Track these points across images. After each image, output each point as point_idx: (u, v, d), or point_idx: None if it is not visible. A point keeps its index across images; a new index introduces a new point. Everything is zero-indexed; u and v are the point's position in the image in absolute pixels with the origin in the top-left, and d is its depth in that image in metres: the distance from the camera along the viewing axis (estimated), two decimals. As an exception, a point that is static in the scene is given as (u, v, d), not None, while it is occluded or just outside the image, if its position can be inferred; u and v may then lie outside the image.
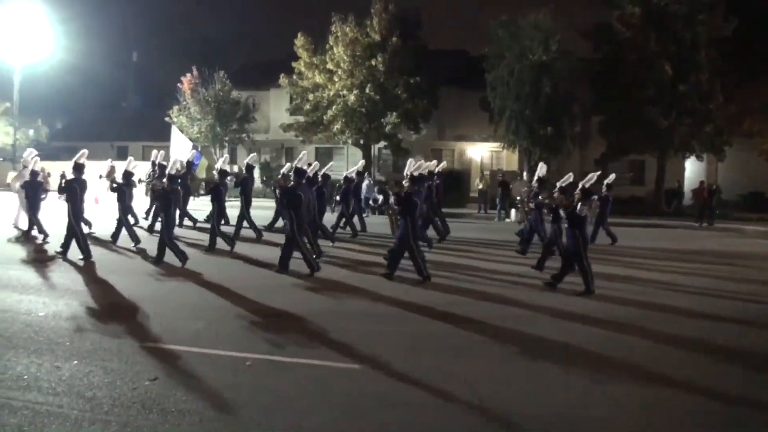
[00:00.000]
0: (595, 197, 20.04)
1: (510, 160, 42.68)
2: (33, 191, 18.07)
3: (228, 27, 78.52)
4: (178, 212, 18.23)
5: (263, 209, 22.91)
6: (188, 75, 43.40)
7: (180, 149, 28.57)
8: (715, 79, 34.24)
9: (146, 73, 70.83)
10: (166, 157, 20.80)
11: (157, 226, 17.70)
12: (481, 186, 35.15)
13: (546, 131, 35.29)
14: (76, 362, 7.97)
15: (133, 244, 17.60)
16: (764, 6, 36.49)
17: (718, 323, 11.09)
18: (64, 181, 15.90)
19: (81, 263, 14.91)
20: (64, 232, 15.47)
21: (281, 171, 16.30)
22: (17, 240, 18.43)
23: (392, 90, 38.61)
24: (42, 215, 18.36)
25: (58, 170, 17.12)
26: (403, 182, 14.58)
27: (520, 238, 18.47)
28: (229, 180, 21.54)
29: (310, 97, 40.32)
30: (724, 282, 15.04)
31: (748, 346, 9.66)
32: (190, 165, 23.29)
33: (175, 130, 31.31)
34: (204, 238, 17.84)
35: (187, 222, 22.03)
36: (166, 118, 42.81)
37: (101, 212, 19.42)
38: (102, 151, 28.39)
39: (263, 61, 51.72)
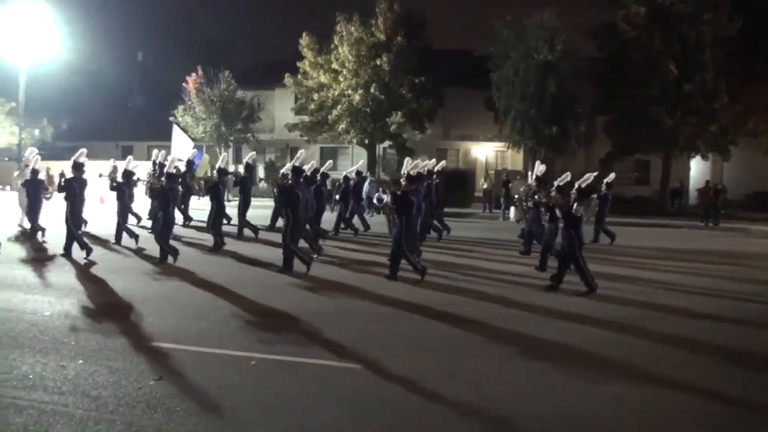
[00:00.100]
0: (594, 196, 20.10)
1: (515, 159, 42.69)
2: (34, 190, 18.14)
3: (233, 27, 78.72)
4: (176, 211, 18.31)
5: (267, 209, 22.90)
6: (193, 75, 43.46)
7: (181, 148, 28.65)
8: (720, 79, 34.19)
9: (151, 73, 70.87)
10: (168, 157, 20.85)
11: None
12: (485, 186, 35.14)
13: (551, 131, 35.28)
14: (81, 362, 8.01)
15: (134, 242, 17.77)
16: (769, 6, 36.43)
17: (719, 323, 11.09)
18: (63, 179, 16.01)
19: (83, 262, 15.01)
20: (65, 232, 15.56)
21: (281, 170, 16.34)
22: (16, 239, 18.51)
23: (397, 90, 38.66)
24: (43, 214, 18.48)
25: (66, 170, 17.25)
26: (401, 181, 14.60)
27: (524, 239, 18.47)
28: (231, 178, 21.65)
29: (315, 96, 40.39)
30: (726, 282, 15.02)
31: (749, 347, 9.65)
32: (190, 164, 23.35)
33: (176, 129, 31.37)
34: (204, 238, 17.86)
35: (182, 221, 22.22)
36: (171, 118, 42.87)
37: (103, 212, 19.43)
38: (107, 151, 28.53)
39: (268, 60, 51.80)
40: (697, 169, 40.42)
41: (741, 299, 13.20)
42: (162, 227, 15.05)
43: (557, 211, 13.47)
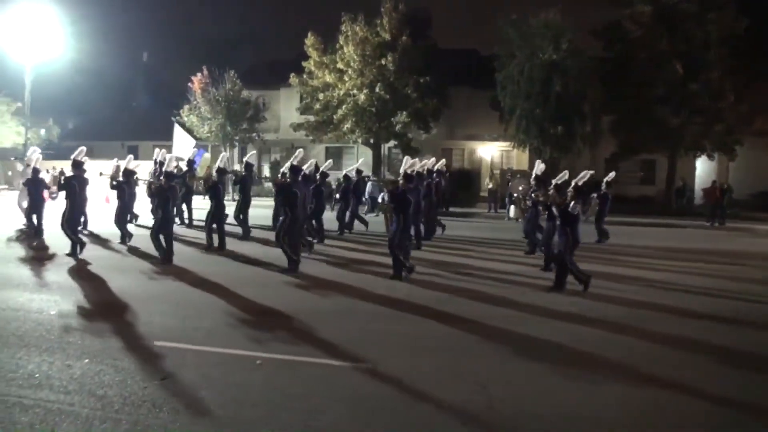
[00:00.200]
0: (594, 195, 20.09)
1: (520, 159, 42.61)
2: (35, 189, 18.20)
3: (238, 27, 78.82)
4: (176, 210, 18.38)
5: (269, 208, 22.94)
6: (198, 75, 43.49)
7: (183, 147, 28.66)
8: (726, 78, 34.07)
9: (156, 73, 71.07)
10: (166, 156, 20.88)
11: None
12: (490, 185, 35.11)
13: (556, 130, 35.23)
14: (86, 361, 8.03)
15: (127, 240, 18.00)
16: (775, 5, 36.33)
17: (719, 324, 11.04)
18: (63, 178, 16.07)
19: (88, 261, 15.18)
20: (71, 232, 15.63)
21: (281, 170, 16.35)
22: (17, 239, 18.57)
23: (402, 89, 38.63)
24: (44, 213, 18.52)
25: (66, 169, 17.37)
26: (398, 180, 14.62)
27: (528, 239, 18.45)
28: (230, 177, 21.67)
29: (320, 96, 40.37)
30: (729, 282, 14.95)
31: (749, 347, 9.60)
32: (191, 164, 23.38)
33: (177, 129, 31.38)
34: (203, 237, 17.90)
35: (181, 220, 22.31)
36: (173, 118, 42.92)
37: (108, 212, 19.47)
38: (113, 151, 28.62)
39: (273, 60, 51.83)
40: (703, 168, 40.33)
41: (742, 299, 13.15)
42: (159, 226, 15.07)
43: (554, 209, 13.43)
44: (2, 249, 16.80)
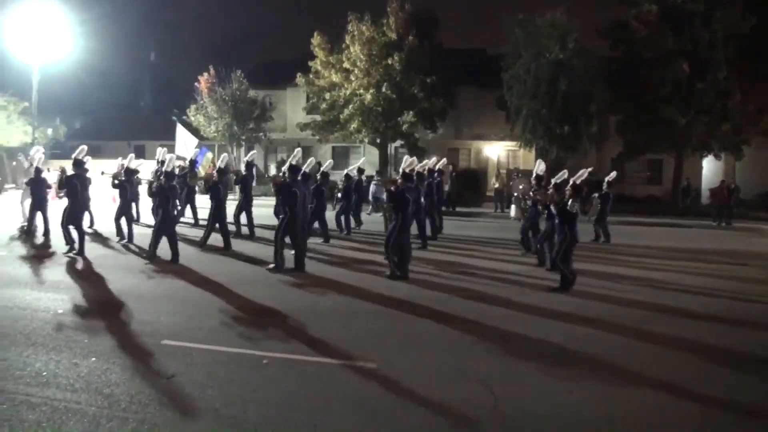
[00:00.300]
0: (596, 195, 20.08)
1: (526, 159, 42.55)
2: (37, 188, 18.25)
3: (245, 26, 78.90)
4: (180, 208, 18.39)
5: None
6: (205, 74, 43.54)
7: (185, 147, 28.64)
8: (733, 78, 33.98)
9: (163, 73, 71.23)
10: (167, 155, 20.90)
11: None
12: (497, 185, 35.07)
13: (563, 130, 35.18)
14: (94, 359, 8.06)
15: (117, 239, 18.10)
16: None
17: (720, 324, 11.00)
18: (64, 177, 16.12)
19: (67, 256, 15.41)
20: (76, 232, 15.67)
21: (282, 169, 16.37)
22: (18, 237, 18.63)
23: (409, 89, 38.63)
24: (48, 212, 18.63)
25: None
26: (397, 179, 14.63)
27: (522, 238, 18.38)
28: (231, 177, 21.70)
29: (327, 96, 40.40)
30: (732, 282, 14.90)
31: (748, 348, 9.56)
32: (193, 163, 23.40)
33: (179, 128, 31.34)
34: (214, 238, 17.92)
35: (186, 219, 22.36)
36: (173, 117, 42.96)
37: (111, 211, 19.57)
38: (119, 150, 28.68)
39: (280, 60, 51.88)
40: (709, 168, 40.23)
41: (744, 300, 13.11)
42: (160, 226, 15.11)
43: (552, 208, 13.41)
44: (8, 248, 16.84)
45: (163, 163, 18.86)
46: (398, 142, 41.83)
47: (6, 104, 43.03)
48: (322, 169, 19.73)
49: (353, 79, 38.71)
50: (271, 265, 14.43)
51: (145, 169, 21.33)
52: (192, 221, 22.30)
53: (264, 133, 44.39)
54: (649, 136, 35.14)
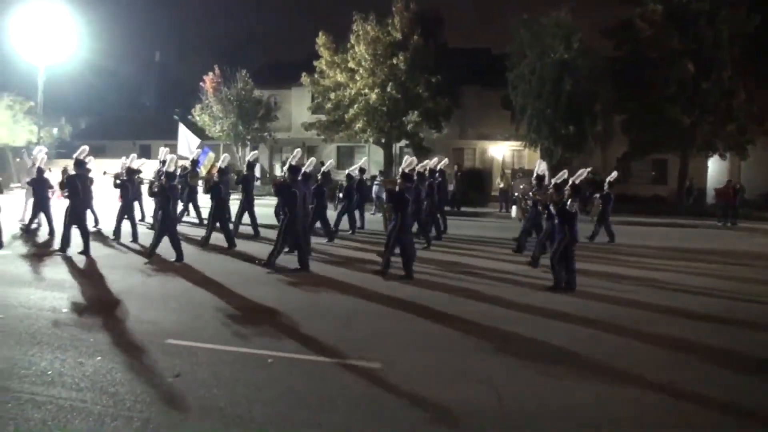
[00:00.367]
0: (597, 196, 20.06)
1: (531, 158, 42.43)
2: (39, 187, 18.31)
3: (250, 26, 78.97)
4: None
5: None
6: (210, 74, 43.59)
7: (187, 146, 28.66)
8: (738, 77, 33.89)
9: (168, 73, 71.34)
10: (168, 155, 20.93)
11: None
12: (501, 185, 35.02)
13: (567, 130, 35.13)
14: (99, 358, 8.08)
15: (112, 238, 18.22)
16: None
17: (723, 325, 10.99)
18: (65, 177, 16.19)
19: (57, 254, 15.57)
20: (78, 232, 15.72)
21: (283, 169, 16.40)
22: (20, 236, 18.70)
23: (413, 89, 38.62)
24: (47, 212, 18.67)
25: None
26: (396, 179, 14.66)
27: (519, 238, 18.35)
28: (232, 177, 21.74)
29: (332, 95, 40.41)
30: (735, 282, 14.85)
31: (748, 349, 9.55)
32: (195, 163, 23.42)
33: (181, 127, 31.37)
34: (215, 237, 17.96)
35: (190, 218, 22.40)
36: (175, 116, 43.03)
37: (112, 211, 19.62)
38: (125, 150, 28.74)
39: (285, 59, 51.97)
40: (715, 168, 40.15)
41: (744, 300, 13.06)
42: (160, 225, 15.14)
43: (551, 208, 13.40)
44: (11, 247, 16.88)
45: (164, 162, 18.90)
46: (403, 142, 41.80)
47: (12, 104, 43.11)
48: (323, 169, 19.77)
49: (358, 78, 38.70)
50: (263, 261, 14.48)
51: (148, 169, 21.37)
52: (197, 221, 22.34)
53: (269, 133, 44.43)
54: (654, 135, 35.05)
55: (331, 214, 20.53)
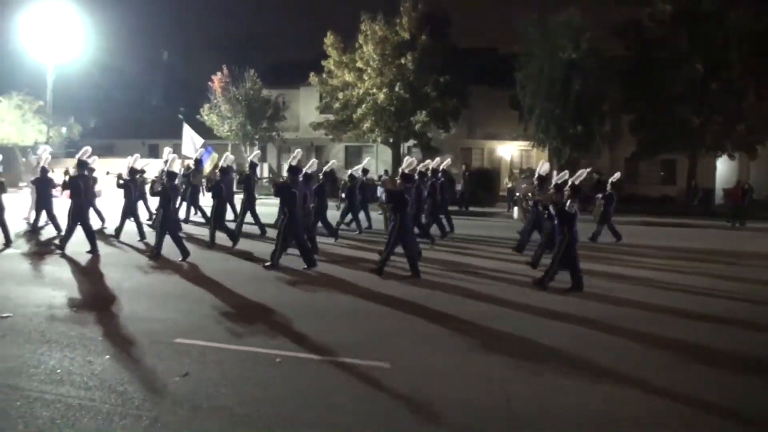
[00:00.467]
0: (600, 196, 20.03)
1: (539, 158, 42.44)
2: (43, 187, 18.37)
3: (258, 26, 79.05)
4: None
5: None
6: (218, 74, 43.70)
7: (192, 146, 28.73)
8: (747, 77, 33.77)
9: (176, 72, 71.45)
10: (169, 155, 20.94)
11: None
12: (509, 185, 35.01)
13: (576, 130, 35.11)
14: (108, 357, 8.09)
15: (113, 236, 18.30)
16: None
17: (723, 325, 10.93)
18: (68, 177, 16.26)
19: (59, 252, 15.61)
20: (83, 231, 15.77)
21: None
22: (28, 235, 18.76)
23: (422, 88, 38.65)
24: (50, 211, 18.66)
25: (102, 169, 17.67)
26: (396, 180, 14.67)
27: (521, 237, 18.30)
28: (234, 176, 21.78)
29: (340, 95, 40.48)
30: (731, 283, 14.75)
31: (746, 349, 9.50)
32: (198, 163, 23.48)
33: (186, 128, 31.45)
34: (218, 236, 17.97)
35: (197, 218, 22.46)
36: (180, 115, 43.11)
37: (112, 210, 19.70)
38: (133, 149, 28.74)
39: (293, 59, 52.01)
40: (724, 168, 40.04)
41: (744, 300, 12.97)
42: (161, 225, 15.18)
43: (551, 209, 13.37)
44: (20, 245, 16.94)
45: (167, 162, 19.03)
46: (411, 142, 41.85)
47: (21, 103, 43.31)
48: (325, 169, 19.84)
49: (366, 78, 38.75)
50: (268, 263, 14.49)
51: (152, 169, 21.44)
52: (202, 220, 22.38)
53: (277, 133, 44.53)
54: (663, 136, 34.99)
55: (335, 214, 20.56)
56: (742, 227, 28.97)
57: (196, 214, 22.52)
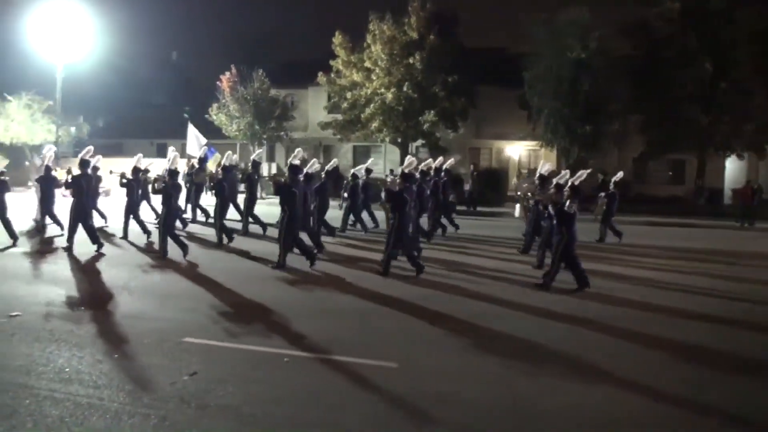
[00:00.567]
0: (602, 195, 20.02)
1: (548, 158, 42.28)
2: (47, 186, 18.43)
3: (266, 26, 79.10)
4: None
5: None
6: (227, 73, 43.71)
7: (197, 145, 28.78)
8: (756, 77, 33.61)
9: (185, 72, 71.55)
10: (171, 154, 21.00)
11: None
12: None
13: (584, 130, 35.03)
14: (116, 356, 8.13)
15: (121, 237, 18.39)
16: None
17: (723, 325, 10.92)
18: (70, 176, 16.32)
19: (65, 250, 15.72)
20: (84, 230, 15.85)
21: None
22: (34, 233, 18.84)
23: (430, 88, 38.60)
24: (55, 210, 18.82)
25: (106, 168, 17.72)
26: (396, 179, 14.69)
27: (526, 238, 18.28)
28: (237, 174, 21.84)
29: (348, 95, 40.44)
30: (731, 283, 14.74)
31: (752, 350, 9.52)
32: (201, 162, 23.53)
33: (190, 127, 31.50)
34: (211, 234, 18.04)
35: (199, 217, 22.58)
36: (185, 114, 43.16)
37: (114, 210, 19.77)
38: (142, 149, 28.77)
39: (301, 59, 51.94)
40: (733, 168, 39.91)
41: (744, 301, 12.95)
42: (163, 223, 15.23)
43: (550, 209, 13.35)
44: (27, 244, 17.02)
45: (169, 160, 19.12)
46: (419, 142, 41.80)
47: (30, 103, 43.40)
48: (327, 167, 19.89)
49: (374, 78, 38.73)
50: (274, 264, 14.53)
51: (156, 168, 21.49)
52: (204, 219, 22.44)
53: (285, 133, 44.52)
54: (671, 135, 34.89)
55: (337, 214, 20.62)
56: (751, 227, 28.86)
57: (201, 212, 22.56)
